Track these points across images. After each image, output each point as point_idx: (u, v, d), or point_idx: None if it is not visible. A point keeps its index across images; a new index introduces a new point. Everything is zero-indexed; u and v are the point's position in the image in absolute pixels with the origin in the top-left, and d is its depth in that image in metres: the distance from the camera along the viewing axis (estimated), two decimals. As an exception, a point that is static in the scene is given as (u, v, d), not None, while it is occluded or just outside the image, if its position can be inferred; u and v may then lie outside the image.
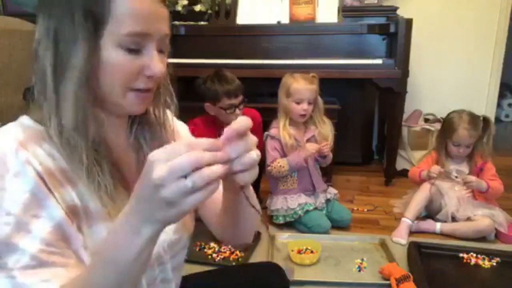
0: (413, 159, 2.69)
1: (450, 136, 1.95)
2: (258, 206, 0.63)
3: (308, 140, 1.99)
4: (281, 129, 1.93)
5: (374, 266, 1.59)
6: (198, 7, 2.60)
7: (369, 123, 2.98)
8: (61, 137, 0.56)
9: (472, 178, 1.90)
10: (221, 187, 0.66)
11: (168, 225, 0.47)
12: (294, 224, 1.95)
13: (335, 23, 2.46)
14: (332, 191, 2.05)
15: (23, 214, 0.51)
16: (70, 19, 0.54)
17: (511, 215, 1.95)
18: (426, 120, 2.79)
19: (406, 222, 1.90)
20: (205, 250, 1.72)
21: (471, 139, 1.92)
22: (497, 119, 3.98)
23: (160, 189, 0.42)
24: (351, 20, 2.53)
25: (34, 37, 0.57)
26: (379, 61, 2.32)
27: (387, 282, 1.47)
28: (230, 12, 2.56)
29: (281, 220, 1.95)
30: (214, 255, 1.68)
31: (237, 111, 1.89)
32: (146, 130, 0.70)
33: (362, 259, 1.64)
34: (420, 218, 1.99)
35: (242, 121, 0.48)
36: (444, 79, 2.94)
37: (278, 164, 1.90)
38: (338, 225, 1.94)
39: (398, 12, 2.47)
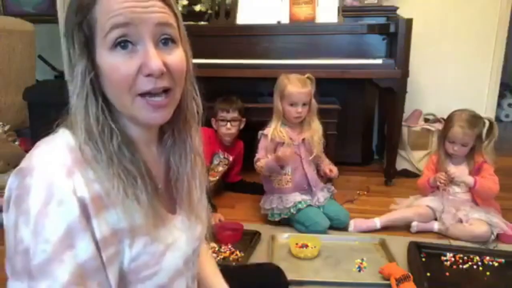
0: (413, 159, 2.69)
1: (447, 132, 1.96)
2: None
3: (303, 140, 2.00)
4: (272, 130, 1.98)
5: (374, 266, 1.59)
6: (198, 7, 2.60)
7: (369, 123, 2.98)
8: (93, 151, 0.57)
9: (455, 174, 1.90)
10: None
11: None
12: (292, 224, 1.95)
13: (335, 23, 2.46)
14: (331, 188, 2.06)
15: (59, 243, 0.52)
16: (72, 40, 0.57)
17: (511, 215, 1.95)
18: (426, 120, 2.79)
19: (374, 222, 1.92)
20: (205, 250, 1.72)
21: (466, 138, 1.91)
22: (497, 119, 3.97)
23: None
24: (351, 20, 2.53)
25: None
26: (379, 61, 2.32)
27: (387, 282, 1.47)
28: (230, 12, 2.56)
29: (276, 217, 1.95)
30: (214, 255, 1.68)
31: (228, 125, 2.21)
32: (176, 144, 0.69)
33: (362, 259, 1.64)
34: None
35: None
36: (444, 79, 2.94)
37: (260, 164, 1.97)
38: (335, 225, 1.94)
39: (398, 12, 2.47)
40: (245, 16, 2.54)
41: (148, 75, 0.56)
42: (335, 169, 2.04)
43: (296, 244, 1.70)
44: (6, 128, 2.45)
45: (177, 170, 0.69)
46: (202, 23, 2.61)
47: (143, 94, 0.57)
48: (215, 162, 2.28)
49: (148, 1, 0.56)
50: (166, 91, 0.59)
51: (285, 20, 2.49)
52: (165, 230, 0.65)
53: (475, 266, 1.60)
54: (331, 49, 2.43)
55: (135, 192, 0.58)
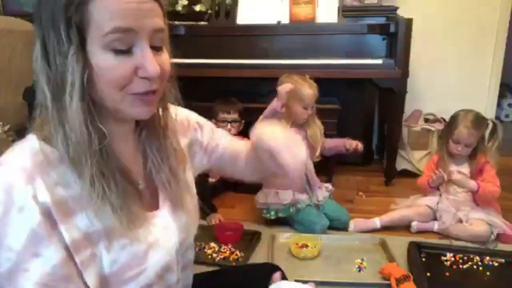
0: (413, 159, 2.69)
1: (452, 133, 1.95)
2: None
3: (307, 139, 2.00)
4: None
5: (374, 266, 1.59)
6: (198, 7, 2.60)
7: (369, 123, 2.98)
8: (69, 154, 0.55)
9: (457, 176, 1.90)
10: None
11: None
12: (292, 224, 1.95)
13: (335, 23, 2.46)
14: (329, 187, 2.05)
15: (23, 251, 0.51)
16: (56, 33, 0.53)
17: (511, 215, 1.95)
18: (426, 120, 2.79)
19: (374, 222, 1.92)
20: (205, 250, 1.72)
21: (471, 138, 1.91)
22: (497, 119, 3.95)
23: None
24: (351, 20, 2.53)
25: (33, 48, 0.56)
26: (379, 61, 2.31)
27: (387, 282, 1.47)
28: (230, 12, 2.56)
29: (273, 215, 1.93)
30: (214, 255, 1.68)
31: (229, 125, 2.21)
32: (151, 135, 0.69)
33: (362, 259, 1.64)
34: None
35: None
36: (444, 79, 2.94)
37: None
38: (335, 225, 1.94)
39: (398, 12, 2.47)
40: (245, 16, 2.54)
41: (144, 78, 0.56)
42: (357, 143, 2.07)
43: (296, 244, 1.70)
44: (6, 128, 2.45)
45: (156, 161, 0.68)
46: (202, 23, 2.61)
47: (134, 94, 0.57)
48: (215, 162, 2.27)
49: (148, 2, 0.56)
50: (154, 91, 0.60)
51: (285, 20, 2.49)
52: (144, 230, 0.63)
53: (475, 266, 1.60)
54: (331, 49, 2.43)
55: (107, 194, 0.56)
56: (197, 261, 1.56)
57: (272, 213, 1.94)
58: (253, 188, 2.34)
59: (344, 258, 1.67)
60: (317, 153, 2.01)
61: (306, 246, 1.69)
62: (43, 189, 0.52)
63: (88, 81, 0.54)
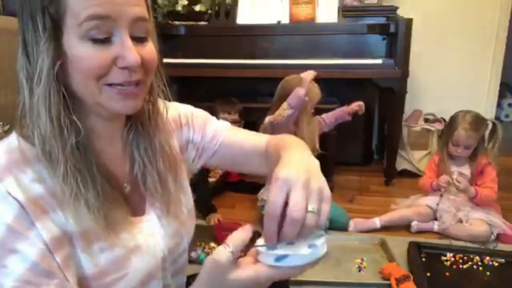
0: (413, 159, 2.69)
1: (451, 135, 1.95)
2: None
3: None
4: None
5: (374, 266, 1.59)
6: (198, 7, 2.60)
7: (369, 123, 2.98)
8: (44, 149, 0.53)
9: (463, 183, 1.89)
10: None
11: None
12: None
13: (335, 23, 2.46)
14: None
15: (0, 248, 0.50)
16: (34, 25, 0.52)
17: (511, 215, 1.95)
18: (426, 120, 2.79)
19: (374, 222, 1.92)
20: (205, 250, 1.71)
21: (469, 140, 1.91)
22: (497, 119, 3.96)
23: None
24: (351, 20, 2.53)
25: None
26: (379, 61, 2.32)
27: (387, 282, 1.47)
28: (230, 12, 2.56)
29: None
30: (214, 255, 1.68)
31: None
32: (140, 136, 0.66)
33: (362, 259, 1.64)
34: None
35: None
36: (444, 79, 2.94)
37: (281, 108, 1.83)
38: (335, 225, 1.93)
39: (398, 12, 2.47)
40: (245, 16, 2.54)
41: (123, 68, 0.54)
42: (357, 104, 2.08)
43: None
44: (6, 128, 2.45)
45: (143, 164, 0.65)
46: (202, 23, 2.61)
47: (111, 84, 0.55)
48: (215, 163, 2.28)
49: None
50: (137, 83, 0.57)
51: (285, 20, 2.49)
52: (126, 234, 0.61)
53: (475, 266, 1.60)
54: (331, 49, 2.43)
55: (81, 192, 0.54)
56: (197, 261, 1.57)
57: None
58: (253, 188, 2.35)
59: (344, 258, 1.67)
60: (316, 149, 2.00)
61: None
62: (15, 186, 0.51)
63: (64, 73, 0.53)
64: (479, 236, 1.80)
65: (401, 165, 2.71)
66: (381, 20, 2.46)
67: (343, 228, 1.95)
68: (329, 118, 2.13)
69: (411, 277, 1.43)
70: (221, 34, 2.55)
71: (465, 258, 1.64)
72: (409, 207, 2.04)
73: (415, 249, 1.65)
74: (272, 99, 2.03)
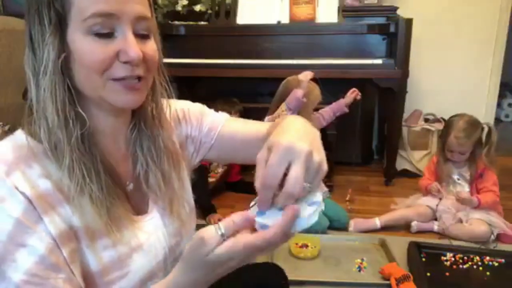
0: (413, 159, 2.69)
1: (445, 140, 1.96)
2: None
3: None
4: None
5: (374, 266, 1.59)
6: (198, 7, 2.60)
7: (369, 123, 2.98)
8: (50, 142, 0.54)
9: (464, 195, 1.89)
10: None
11: None
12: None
13: (335, 23, 2.46)
14: (325, 188, 2.06)
15: (8, 242, 0.50)
16: (39, 19, 0.53)
17: (511, 215, 1.95)
18: (426, 120, 2.79)
19: (374, 222, 1.93)
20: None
21: (462, 147, 1.90)
22: (497, 119, 3.97)
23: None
24: (351, 20, 2.53)
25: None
26: (379, 61, 2.32)
27: (387, 282, 1.47)
28: (230, 12, 2.56)
29: None
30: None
31: None
32: (143, 134, 0.67)
33: (362, 259, 1.64)
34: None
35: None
36: (444, 79, 2.94)
37: (280, 109, 1.84)
38: (335, 225, 1.94)
39: (398, 12, 2.47)
40: (245, 16, 2.54)
41: (126, 62, 0.56)
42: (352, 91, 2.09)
43: (296, 244, 1.70)
44: (6, 128, 2.45)
45: (146, 163, 0.66)
46: (202, 23, 2.61)
47: (116, 79, 0.56)
48: (214, 163, 2.28)
49: None
50: (139, 78, 0.58)
51: (285, 20, 2.49)
52: (129, 232, 0.62)
53: (475, 266, 1.60)
54: (331, 49, 2.43)
55: (86, 182, 0.55)
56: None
57: None
58: (253, 188, 2.35)
59: (344, 258, 1.67)
60: None
61: (306, 246, 1.69)
62: (22, 181, 0.52)
63: (68, 67, 0.55)
64: (479, 236, 1.80)
65: (401, 165, 2.71)
66: (381, 20, 2.46)
67: (343, 228, 1.95)
68: (327, 113, 2.12)
69: (411, 277, 1.43)
70: (221, 34, 2.55)
71: (465, 258, 1.64)
72: (409, 207, 2.04)
73: (415, 249, 1.65)
74: (272, 99, 2.03)
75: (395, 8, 2.48)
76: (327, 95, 2.37)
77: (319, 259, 1.67)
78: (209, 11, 2.60)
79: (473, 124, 1.92)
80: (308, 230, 1.96)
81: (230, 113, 2.48)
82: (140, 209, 0.67)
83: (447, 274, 1.56)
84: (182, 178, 0.75)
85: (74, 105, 0.56)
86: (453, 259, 1.64)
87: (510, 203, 2.11)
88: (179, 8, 2.62)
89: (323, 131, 2.09)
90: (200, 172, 2.10)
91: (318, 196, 0.51)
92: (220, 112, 0.84)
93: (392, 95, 2.37)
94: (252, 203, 0.52)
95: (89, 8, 0.52)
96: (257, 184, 0.50)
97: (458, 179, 1.96)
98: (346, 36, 2.46)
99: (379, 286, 1.49)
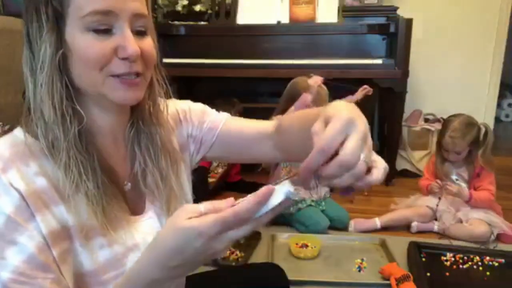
0: (413, 159, 2.69)
1: (441, 141, 1.96)
2: None
3: None
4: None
5: (374, 266, 1.59)
6: (198, 7, 2.60)
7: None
8: (48, 138, 0.55)
9: (454, 187, 1.89)
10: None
11: None
12: (291, 223, 1.95)
13: (335, 23, 2.46)
14: (325, 188, 2.05)
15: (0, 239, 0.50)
16: (37, 18, 0.54)
17: (511, 215, 1.95)
18: (426, 120, 2.79)
19: (374, 222, 1.93)
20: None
21: (457, 148, 1.90)
22: (497, 119, 3.98)
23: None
24: (351, 20, 2.53)
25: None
26: (379, 61, 2.32)
27: (387, 282, 1.47)
28: (230, 12, 2.55)
29: None
30: (214, 255, 1.68)
31: None
32: (141, 133, 0.67)
33: (362, 259, 1.64)
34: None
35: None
36: (444, 79, 2.94)
37: (288, 113, 1.83)
38: (335, 225, 1.94)
39: (398, 12, 2.47)
40: (245, 16, 2.54)
41: (124, 58, 0.56)
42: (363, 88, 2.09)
43: (296, 244, 1.70)
44: (6, 128, 2.45)
45: (144, 162, 0.66)
46: (202, 23, 2.61)
47: (115, 75, 0.57)
48: (214, 163, 2.28)
49: None
50: (138, 74, 0.59)
51: (285, 20, 2.49)
52: (125, 232, 0.62)
53: (475, 266, 1.60)
54: (331, 49, 2.43)
55: (82, 180, 0.55)
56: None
57: None
58: (253, 188, 2.35)
59: (344, 258, 1.67)
60: None
61: (306, 246, 1.69)
62: (18, 178, 0.52)
63: (67, 64, 0.55)
64: (479, 236, 1.80)
65: (401, 165, 2.71)
66: (381, 20, 2.46)
67: (343, 228, 1.95)
68: None
69: (411, 277, 1.43)
70: (221, 34, 2.55)
71: (465, 258, 1.64)
72: (409, 207, 2.04)
73: (415, 249, 1.65)
74: (272, 99, 2.04)
75: (395, 8, 2.48)
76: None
77: (319, 259, 1.67)
78: (209, 11, 2.60)
79: (469, 124, 1.91)
80: (309, 230, 1.96)
81: (230, 113, 2.50)
82: (137, 209, 0.67)
83: (447, 274, 1.56)
84: (180, 177, 0.74)
85: (71, 102, 0.56)
86: (453, 259, 1.64)
87: (510, 203, 2.11)
88: (179, 8, 2.62)
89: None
90: (200, 173, 2.10)
91: (291, 188, 0.47)
92: (221, 112, 0.83)
93: (392, 95, 2.37)
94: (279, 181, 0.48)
95: (87, 5, 0.53)
96: (314, 150, 0.45)
97: (457, 179, 1.96)
98: (346, 36, 2.46)
99: (379, 286, 1.49)
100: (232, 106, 2.29)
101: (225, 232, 0.46)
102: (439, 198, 1.98)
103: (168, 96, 0.70)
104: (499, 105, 3.61)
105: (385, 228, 1.94)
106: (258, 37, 2.49)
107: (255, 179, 2.37)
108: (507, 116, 4.65)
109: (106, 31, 0.55)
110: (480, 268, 1.59)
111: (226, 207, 0.47)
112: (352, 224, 1.94)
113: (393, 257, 1.63)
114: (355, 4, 2.62)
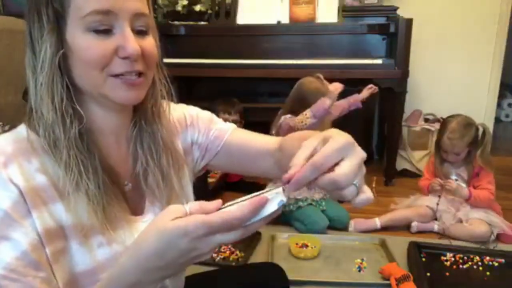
0: (413, 159, 2.69)
1: (439, 142, 1.96)
2: None
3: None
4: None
5: (374, 266, 1.59)
6: (198, 7, 2.60)
7: (369, 123, 2.98)
8: (49, 137, 0.55)
9: (454, 184, 1.89)
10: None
11: None
12: (290, 222, 1.95)
13: (335, 23, 2.46)
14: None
15: None
16: (38, 19, 0.54)
17: (511, 215, 1.95)
18: (426, 120, 2.79)
19: (374, 222, 1.93)
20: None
21: (455, 148, 1.90)
22: (497, 119, 3.97)
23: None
24: (351, 20, 2.53)
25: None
26: (379, 61, 2.32)
27: (387, 282, 1.47)
28: (230, 12, 2.55)
29: None
30: (214, 255, 1.68)
31: None
32: (144, 132, 0.67)
33: (362, 259, 1.64)
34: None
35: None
36: (444, 79, 2.94)
37: (304, 115, 1.83)
38: (335, 225, 1.94)
39: (398, 12, 2.47)
40: (245, 16, 2.54)
41: (125, 58, 0.56)
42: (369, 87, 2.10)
43: (296, 244, 1.70)
44: (6, 128, 2.45)
45: (146, 161, 0.66)
46: (202, 23, 2.61)
47: (116, 75, 0.57)
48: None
49: None
50: (139, 74, 0.59)
51: (285, 20, 2.49)
52: (125, 232, 0.62)
53: (475, 266, 1.60)
54: (331, 49, 2.43)
55: (83, 179, 0.55)
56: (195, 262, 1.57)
57: None
58: (253, 188, 2.35)
59: (344, 258, 1.67)
60: None
61: (306, 246, 1.69)
62: (18, 173, 0.52)
63: (68, 65, 0.55)
64: (479, 236, 1.80)
65: (401, 165, 2.71)
66: (381, 20, 2.46)
67: (343, 228, 1.95)
68: (342, 105, 2.10)
69: (411, 277, 1.43)
70: (221, 34, 2.55)
71: (465, 258, 1.64)
72: (409, 207, 2.04)
73: (415, 249, 1.65)
74: (272, 99, 2.04)
75: (395, 8, 2.48)
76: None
77: (319, 259, 1.67)
78: (209, 11, 2.60)
79: (467, 125, 1.91)
80: (309, 230, 1.97)
81: (230, 113, 2.50)
82: (137, 210, 0.67)
83: (447, 274, 1.56)
84: (182, 178, 0.74)
85: (72, 102, 0.56)
86: (453, 259, 1.64)
87: (509, 203, 2.11)
88: (179, 8, 2.62)
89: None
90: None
91: (284, 198, 0.48)
92: (227, 122, 0.83)
93: (392, 95, 2.38)
94: (269, 188, 0.49)
95: (87, 5, 0.53)
96: (308, 163, 0.46)
97: (456, 180, 1.96)
98: (346, 36, 2.46)
99: (379, 286, 1.49)
100: (232, 106, 2.29)
101: (212, 235, 0.45)
102: (439, 197, 1.98)
103: (170, 95, 0.70)
104: (499, 105, 3.60)
105: (385, 228, 1.94)
106: (258, 37, 2.49)
107: (255, 179, 2.37)
108: (507, 116, 4.65)
109: (107, 31, 0.55)
110: (480, 268, 1.59)
111: (213, 208, 0.47)
112: (352, 224, 1.94)
113: (393, 257, 1.63)
114: (355, 4, 2.61)
